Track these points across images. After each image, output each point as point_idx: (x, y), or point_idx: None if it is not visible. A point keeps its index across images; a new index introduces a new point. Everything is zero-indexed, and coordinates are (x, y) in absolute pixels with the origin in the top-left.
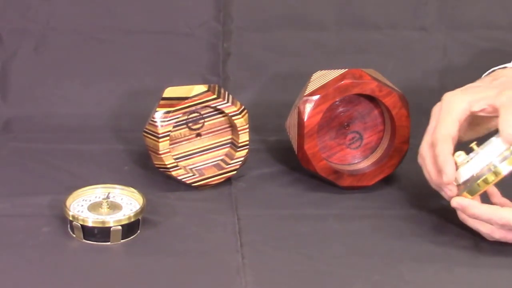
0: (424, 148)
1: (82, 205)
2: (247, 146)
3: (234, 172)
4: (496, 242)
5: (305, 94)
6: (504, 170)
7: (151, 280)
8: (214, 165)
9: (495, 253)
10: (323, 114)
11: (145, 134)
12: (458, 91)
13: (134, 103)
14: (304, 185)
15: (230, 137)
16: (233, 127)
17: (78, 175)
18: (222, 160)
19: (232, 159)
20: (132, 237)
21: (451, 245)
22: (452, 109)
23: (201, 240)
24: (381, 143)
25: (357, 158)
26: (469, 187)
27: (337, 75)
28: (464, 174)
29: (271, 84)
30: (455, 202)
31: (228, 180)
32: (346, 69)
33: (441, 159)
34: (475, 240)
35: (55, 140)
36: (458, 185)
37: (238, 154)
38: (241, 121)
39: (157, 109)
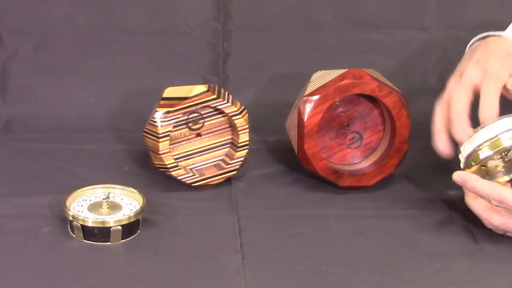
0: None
1: (82, 205)
2: (247, 146)
3: (234, 172)
4: (496, 242)
5: (305, 94)
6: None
7: (151, 280)
8: (214, 165)
9: (495, 253)
10: (323, 114)
11: (145, 134)
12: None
13: (134, 103)
14: (304, 185)
15: (230, 137)
16: (233, 127)
17: (78, 175)
18: (222, 160)
19: (232, 159)
20: (132, 237)
21: (451, 245)
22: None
23: (201, 240)
24: (381, 143)
25: (357, 158)
26: (466, 162)
27: (337, 75)
28: (467, 149)
29: (271, 84)
30: (456, 176)
31: (228, 180)
32: (346, 69)
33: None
34: (475, 239)
35: (55, 140)
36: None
37: (238, 154)
38: (241, 121)
39: (157, 109)
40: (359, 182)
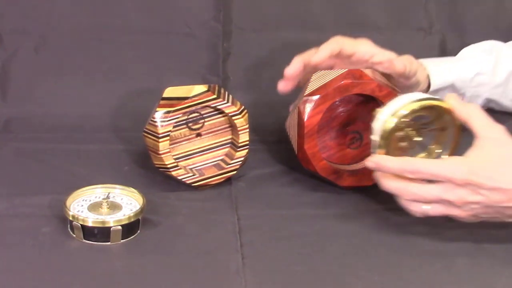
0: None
1: (82, 205)
2: (247, 146)
3: (234, 172)
4: (496, 242)
5: (305, 94)
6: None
7: (151, 280)
8: (214, 165)
9: (495, 253)
10: (323, 114)
11: (145, 134)
12: None
13: (134, 103)
14: (304, 185)
15: (230, 137)
16: (233, 127)
17: (78, 175)
18: (222, 160)
19: (232, 159)
20: (132, 237)
21: (451, 245)
22: None
23: (201, 240)
24: None
25: (357, 158)
26: (376, 141)
27: (337, 75)
28: (375, 130)
29: (271, 84)
30: (369, 162)
31: (228, 180)
32: (346, 69)
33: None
34: (475, 239)
35: (55, 140)
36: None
37: (238, 154)
38: (241, 121)
39: (157, 109)
40: (359, 182)
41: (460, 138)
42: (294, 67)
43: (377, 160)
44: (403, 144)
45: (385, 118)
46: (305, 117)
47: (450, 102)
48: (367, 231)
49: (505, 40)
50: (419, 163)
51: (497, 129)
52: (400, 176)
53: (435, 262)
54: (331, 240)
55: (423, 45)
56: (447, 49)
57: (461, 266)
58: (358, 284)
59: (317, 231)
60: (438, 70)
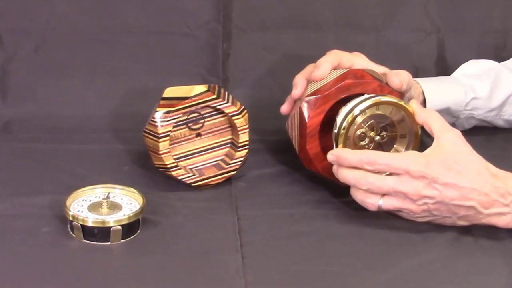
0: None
1: (82, 205)
2: (247, 146)
3: (234, 172)
4: (496, 241)
5: (306, 94)
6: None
7: (151, 280)
8: (214, 165)
9: (495, 252)
10: (325, 114)
11: (145, 134)
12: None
13: (134, 103)
14: (304, 185)
15: (230, 137)
16: (233, 127)
17: (78, 175)
18: (222, 160)
19: (232, 159)
20: (132, 237)
21: (451, 244)
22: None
23: (201, 240)
24: None
25: None
26: (335, 139)
27: (339, 75)
28: (336, 124)
29: (271, 85)
30: (330, 155)
31: (228, 180)
32: (347, 69)
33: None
34: (475, 239)
35: (55, 140)
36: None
37: (238, 154)
38: (241, 121)
39: (157, 109)
40: None
41: (418, 146)
42: (301, 88)
43: (336, 153)
44: (363, 143)
45: (345, 112)
46: (307, 117)
47: (410, 105)
48: (367, 231)
49: (504, 40)
50: (377, 154)
51: (453, 132)
52: (359, 169)
53: (435, 261)
54: (331, 240)
55: (423, 46)
56: (446, 50)
57: (461, 266)
58: (358, 284)
59: (317, 231)
60: (434, 90)
